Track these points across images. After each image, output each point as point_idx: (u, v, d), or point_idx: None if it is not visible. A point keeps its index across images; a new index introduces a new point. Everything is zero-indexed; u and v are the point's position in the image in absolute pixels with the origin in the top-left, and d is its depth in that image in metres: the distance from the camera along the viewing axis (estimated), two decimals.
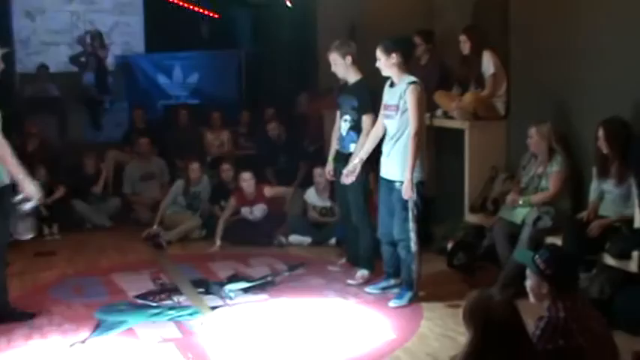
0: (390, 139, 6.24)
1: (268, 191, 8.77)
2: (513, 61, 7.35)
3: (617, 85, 6.01)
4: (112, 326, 5.89)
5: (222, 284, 6.81)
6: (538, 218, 6.23)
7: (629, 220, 5.65)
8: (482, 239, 6.93)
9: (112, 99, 12.97)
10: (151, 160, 10.10)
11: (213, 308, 6.24)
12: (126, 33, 15.21)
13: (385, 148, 6.32)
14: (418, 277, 6.31)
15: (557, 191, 6.34)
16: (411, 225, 6.18)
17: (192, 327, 5.91)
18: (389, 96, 6.28)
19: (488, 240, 6.76)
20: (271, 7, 12.58)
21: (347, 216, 7.15)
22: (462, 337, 3.89)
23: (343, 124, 6.95)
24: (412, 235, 6.19)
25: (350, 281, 6.90)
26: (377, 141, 6.53)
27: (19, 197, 6.12)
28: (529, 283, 3.84)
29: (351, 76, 6.87)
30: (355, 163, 6.57)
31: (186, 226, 8.85)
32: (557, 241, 5.93)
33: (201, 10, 14.91)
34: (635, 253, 5.49)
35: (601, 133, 5.75)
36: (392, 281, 6.59)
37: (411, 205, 6.14)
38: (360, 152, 6.63)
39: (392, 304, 6.27)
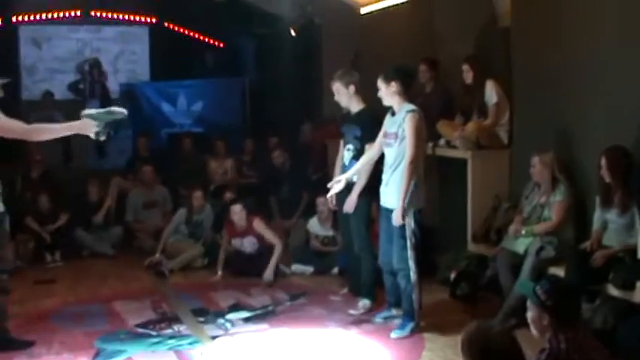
0: (389, 167, 6.24)
1: (257, 225, 8.32)
2: (516, 90, 7.35)
3: (619, 114, 5.99)
4: (111, 355, 5.85)
5: (223, 313, 6.79)
6: (541, 248, 6.18)
7: (633, 250, 5.58)
8: (485, 269, 6.87)
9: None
10: (154, 188, 10.10)
11: (214, 338, 6.20)
12: (131, 61, 15.29)
13: (384, 177, 6.32)
14: (419, 307, 6.26)
15: (560, 221, 6.30)
16: (410, 253, 6.16)
17: (192, 356, 5.86)
18: (389, 124, 6.28)
19: (491, 270, 6.71)
20: (276, 36, 12.66)
21: (349, 245, 7.12)
22: None
23: (346, 154, 6.94)
24: (411, 264, 6.17)
25: (352, 311, 6.85)
26: (370, 162, 6.55)
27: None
28: (530, 315, 3.80)
29: (354, 106, 6.88)
30: (340, 179, 6.57)
31: (188, 255, 8.82)
32: (560, 271, 5.90)
33: (206, 39, 15.02)
34: (638, 284, 5.43)
35: (603, 161, 5.72)
36: (394, 311, 6.54)
37: (408, 233, 6.13)
38: (349, 172, 6.64)
39: (393, 334, 6.21)
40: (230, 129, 12.50)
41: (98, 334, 6.32)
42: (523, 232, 6.38)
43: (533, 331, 3.81)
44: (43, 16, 14.17)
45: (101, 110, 5.60)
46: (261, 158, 11.10)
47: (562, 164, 6.42)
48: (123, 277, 8.47)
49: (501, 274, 6.43)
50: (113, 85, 14.14)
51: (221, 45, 15.13)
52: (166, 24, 14.91)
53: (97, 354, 5.89)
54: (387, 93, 6.22)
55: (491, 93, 7.30)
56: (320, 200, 8.47)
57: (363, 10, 10.25)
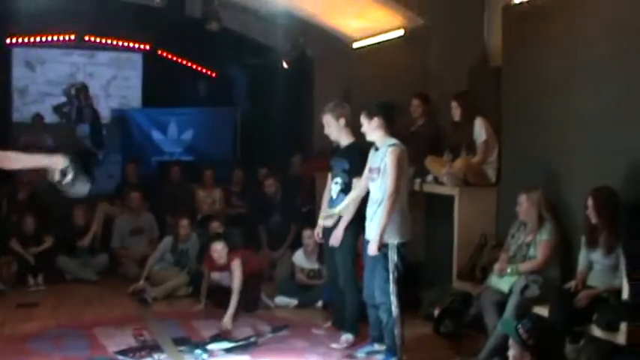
0: (374, 202, 6.26)
1: (234, 264, 7.75)
2: (504, 128, 7.38)
3: (607, 155, 6.02)
4: None
5: (204, 343, 6.72)
6: (525, 287, 6.16)
7: (617, 291, 5.57)
8: (470, 307, 6.84)
9: (105, 151, 12.98)
10: (140, 215, 10.07)
11: None
12: (124, 87, 15.34)
13: (369, 212, 6.33)
14: (401, 343, 6.23)
15: (546, 260, 6.29)
16: (392, 287, 6.15)
17: None
18: (373, 159, 6.32)
19: (475, 308, 6.68)
20: (268, 67, 12.72)
21: (334, 279, 7.09)
22: None
23: (334, 187, 6.93)
24: (393, 298, 6.16)
25: (334, 345, 6.80)
26: (358, 200, 6.55)
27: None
28: (512, 353, 3.79)
29: (344, 139, 6.88)
30: (333, 213, 6.62)
31: (172, 283, 8.76)
32: (545, 310, 5.87)
33: (199, 68, 15.08)
34: (623, 325, 5.41)
35: (590, 202, 5.73)
36: (376, 346, 6.50)
37: (391, 267, 6.14)
38: (340, 206, 6.65)
39: None
40: (220, 159, 12.52)
41: (77, 359, 6.24)
42: (508, 270, 6.36)
43: None
44: (37, 38, 14.20)
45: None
46: (250, 189, 11.09)
47: (549, 203, 6.43)
48: (106, 302, 8.41)
49: (486, 312, 6.40)
50: (104, 111, 14.17)
51: (213, 74, 15.20)
52: (160, 51, 14.97)
53: None
54: (370, 128, 6.29)
55: (480, 130, 7.33)
56: (306, 233, 8.45)
57: (356, 45, 10.32)
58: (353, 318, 6.89)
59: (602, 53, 6.15)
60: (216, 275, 8.03)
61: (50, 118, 13.64)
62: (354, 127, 6.79)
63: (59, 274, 9.36)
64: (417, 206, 7.87)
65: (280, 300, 8.38)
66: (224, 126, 13.40)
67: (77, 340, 6.94)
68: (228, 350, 6.60)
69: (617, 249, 5.65)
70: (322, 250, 7.65)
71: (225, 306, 7.51)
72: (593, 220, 5.76)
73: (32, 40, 14.25)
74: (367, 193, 6.44)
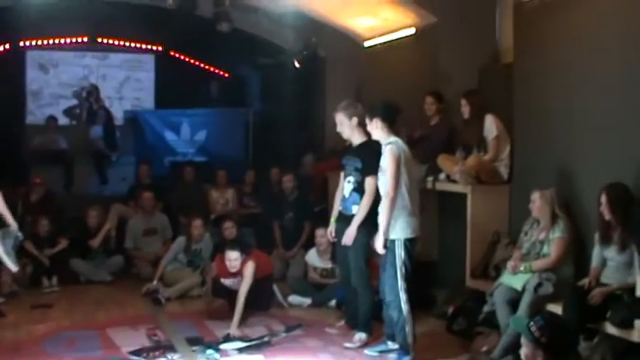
0: (383, 199, 6.29)
1: (247, 270, 7.53)
2: (516, 125, 7.36)
3: (620, 151, 5.99)
4: None
5: (217, 343, 6.73)
6: (539, 285, 6.13)
7: (632, 288, 5.54)
8: (483, 305, 6.81)
9: (119, 153, 13.03)
10: (154, 216, 10.09)
11: None
12: (137, 88, 15.43)
13: (380, 208, 6.35)
14: (413, 341, 6.22)
15: (559, 257, 6.26)
16: (400, 284, 6.17)
17: None
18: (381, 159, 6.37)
19: (488, 306, 6.64)
20: (280, 67, 12.72)
21: (347, 278, 7.08)
22: None
23: (347, 186, 6.93)
24: (402, 295, 6.18)
25: (347, 344, 6.79)
26: (371, 198, 6.62)
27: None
28: (524, 351, 3.77)
29: (356, 138, 6.88)
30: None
31: (185, 284, 8.77)
32: (558, 308, 5.84)
33: (211, 69, 15.12)
34: (637, 323, 5.37)
35: (604, 198, 5.70)
36: (390, 344, 6.49)
37: (398, 263, 6.15)
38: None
39: None
40: (232, 159, 12.55)
41: None
42: (521, 268, 6.34)
43: None
44: (51, 41, 14.28)
45: None
46: (262, 189, 11.10)
47: (562, 200, 6.40)
48: (119, 303, 8.43)
49: (499, 310, 6.36)
50: (117, 112, 14.23)
51: (226, 75, 15.23)
52: (172, 53, 15.02)
53: None
54: (371, 128, 6.42)
55: (490, 127, 7.31)
56: (319, 232, 8.45)
57: (367, 44, 10.31)
58: (366, 317, 6.88)
59: (614, 50, 6.11)
60: (227, 281, 7.79)
61: (64, 120, 13.70)
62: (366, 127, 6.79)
63: (73, 276, 9.38)
64: (429, 205, 7.88)
65: (293, 299, 8.37)
66: (236, 126, 13.42)
67: (91, 340, 6.95)
68: (241, 350, 6.60)
69: (630, 245, 5.62)
70: (335, 249, 7.64)
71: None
72: (607, 216, 5.73)
73: (45, 42, 14.34)
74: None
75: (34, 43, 14.27)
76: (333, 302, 8.18)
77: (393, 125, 6.36)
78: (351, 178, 6.88)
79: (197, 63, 15.18)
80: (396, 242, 6.20)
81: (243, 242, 8.99)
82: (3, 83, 13.16)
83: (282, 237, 9.85)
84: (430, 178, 7.77)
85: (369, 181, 6.67)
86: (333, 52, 11.46)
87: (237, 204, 10.94)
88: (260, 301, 7.85)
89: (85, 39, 14.45)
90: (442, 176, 7.70)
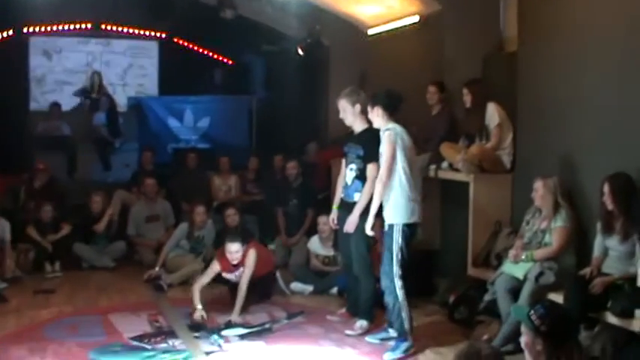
0: (376, 183, 6.36)
1: (249, 258, 7.43)
2: (519, 114, 7.34)
3: (623, 141, 5.97)
4: None
5: (219, 329, 6.74)
6: (540, 274, 6.13)
7: (633, 278, 5.52)
8: (484, 293, 6.81)
9: (122, 140, 13.02)
10: (156, 202, 10.10)
11: (208, 353, 6.17)
12: (140, 75, 15.40)
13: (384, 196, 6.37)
14: (410, 327, 6.24)
15: (561, 247, 6.26)
16: (395, 269, 6.20)
17: None
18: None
19: (490, 295, 6.65)
20: (284, 54, 12.70)
21: (349, 265, 7.08)
22: None
23: (349, 173, 6.93)
24: (397, 281, 6.21)
25: (348, 331, 6.80)
26: (373, 186, 6.57)
27: None
28: (524, 339, 3.75)
29: (358, 125, 6.88)
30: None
31: (187, 270, 8.77)
32: (560, 297, 5.84)
33: (215, 56, 15.09)
34: (638, 312, 5.37)
35: (606, 188, 5.69)
36: (391, 331, 6.50)
37: (395, 248, 6.18)
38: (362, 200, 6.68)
39: (386, 356, 6.17)
40: (235, 146, 12.54)
41: (92, 345, 6.29)
42: (523, 257, 6.34)
43: (527, 356, 3.76)
44: (54, 27, 14.27)
45: None
46: (265, 176, 11.10)
47: (564, 190, 6.39)
48: (121, 289, 8.45)
49: (500, 298, 6.37)
50: (121, 99, 14.22)
51: (229, 62, 15.21)
52: (176, 39, 15.00)
53: None
54: (372, 116, 6.48)
55: (492, 115, 7.30)
56: (322, 219, 8.45)
57: (371, 31, 10.29)
58: (367, 304, 6.89)
59: (619, 38, 6.08)
60: (229, 275, 7.59)
61: (68, 106, 13.69)
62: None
63: (76, 262, 9.41)
64: (432, 193, 7.88)
65: (295, 286, 8.38)
66: (240, 113, 13.40)
67: (93, 326, 6.97)
68: (242, 336, 6.62)
69: (632, 235, 5.60)
70: (337, 237, 7.64)
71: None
72: (609, 206, 5.71)
73: (49, 29, 14.32)
74: None
75: (37, 29, 14.24)
76: (334, 290, 8.20)
77: (394, 114, 6.38)
78: (353, 166, 6.87)
79: (201, 50, 15.15)
80: (395, 227, 6.22)
81: (245, 230, 9.01)
82: (7, 70, 13.12)
83: (285, 224, 9.86)
84: (433, 167, 7.77)
85: (370, 168, 6.66)
86: (336, 39, 11.44)
87: (240, 191, 10.94)
88: (261, 292, 7.84)
89: (89, 25, 14.43)
90: (445, 165, 7.70)
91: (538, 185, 6.44)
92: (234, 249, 7.38)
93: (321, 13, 10.88)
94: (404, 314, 6.20)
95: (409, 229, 6.26)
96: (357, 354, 6.33)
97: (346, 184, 6.96)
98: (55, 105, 13.08)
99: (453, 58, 8.50)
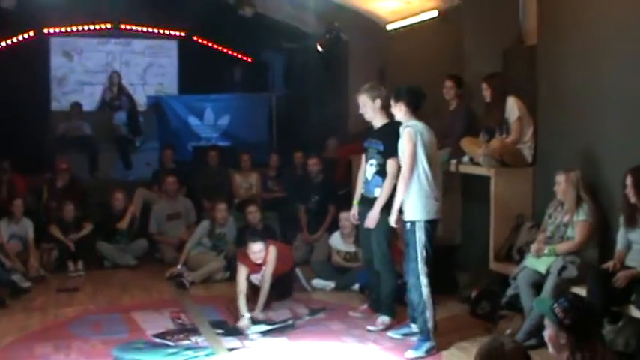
0: (399, 180, 6.35)
1: (270, 255, 7.36)
2: (540, 108, 7.30)
3: None
4: None
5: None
6: (563, 268, 6.11)
7: None
8: (507, 288, 6.79)
9: (143, 139, 13.07)
10: (177, 200, 10.14)
11: (231, 350, 6.19)
12: (160, 74, 15.46)
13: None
14: (434, 326, 6.23)
15: (583, 240, 6.22)
16: (421, 267, 6.17)
17: None
18: None
19: (512, 289, 6.63)
20: (303, 51, 12.71)
21: (370, 260, 7.08)
22: None
23: (369, 169, 6.92)
24: (422, 279, 6.18)
25: (370, 327, 6.80)
26: (394, 181, 6.60)
27: None
28: (547, 333, 3.73)
29: (378, 120, 6.87)
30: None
31: (209, 267, 8.81)
32: (583, 291, 5.81)
33: (234, 54, 15.12)
34: None
35: (629, 181, 5.65)
36: (414, 327, 6.48)
37: (419, 246, 6.15)
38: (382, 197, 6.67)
39: (408, 354, 6.15)
40: (256, 143, 12.53)
41: (116, 342, 6.35)
42: (545, 250, 6.31)
43: (551, 349, 3.74)
44: (74, 28, 14.35)
45: None
46: (286, 173, 11.11)
47: (586, 183, 6.35)
48: (144, 287, 8.50)
49: (523, 292, 6.35)
50: (141, 98, 14.28)
51: (249, 60, 15.23)
52: (195, 38, 15.04)
53: None
54: (395, 111, 6.44)
55: (512, 109, 7.26)
56: (343, 215, 8.43)
57: (390, 27, 10.27)
58: (389, 300, 6.89)
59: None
60: (253, 277, 7.46)
61: (89, 106, 13.78)
62: (389, 110, 6.77)
63: (98, 260, 9.48)
64: (452, 188, 7.85)
65: (317, 283, 8.39)
66: (260, 111, 13.40)
67: (116, 323, 7.04)
68: (264, 333, 6.64)
69: None
70: (359, 233, 7.64)
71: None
72: (632, 199, 5.68)
73: (69, 30, 14.41)
74: None
75: (58, 30, 14.33)
76: (356, 286, 8.20)
77: (417, 110, 6.35)
78: (373, 161, 6.86)
79: (220, 48, 15.17)
80: (416, 224, 6.20)
81: (266, 227, 9.02)
82: (28, 71, 13.24)
83: (306, 221, 9.87)
84: (454, 162, 7.74)
85: (390, 164, 6.65)
86: (355, 35, 11.43)
87: (261, 188, 10.96)
88: (282, 289, 7.84)
89: (109, 26, 14.51)
90: (466, 159, 7.67)
91: (560, 179, 6.40)
92: (256, 248, 7.29)
93: (339, 9, 10.87)
94: (428, 313, 6.18)
95: (431, 226, 6.24)
96: (380, 349, 6.33)
97: (366, 179, 6.96)
98: (76, 105, 13.14)
99: (473, 52, 8.47)
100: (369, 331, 6.75)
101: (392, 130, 6.65)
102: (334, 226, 9.00)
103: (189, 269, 8.78)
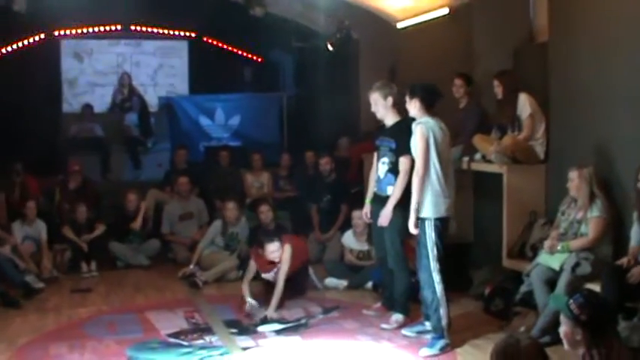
0: (413, 177, 6.32)
1: (285, 253, 7.43)
2: (552, 105, 7.28)
3: None
4: None
5: (255, 325, 6.79)
6: (577, 264, 6.09)
7: None
8: (520, 285, 6.78)
9: (154, 139, 13.11)
10: (190, 200, 10.16)
11: (245, 349, 6.20)
12: (170, 75, 15.51)
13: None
14: (448, 324, 6.21)
15: (597, 237, 6.20)
16: (432, 264, 6.17)
17: None
18: None
19: (526, 286, 6.60)
20: (313, 50, 12.71)
21: (383, 259, 7.07)
22: None
23: (381, 167, 6.91)
24: (435, 276, 6.17)
25: (384, 325, 6.80)
26: (407, 178, 6.59)
27: None
28: (563, 329, 3.73)
29: (390, 118, 6.86)
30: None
31: (222, 267, 8.82)
32: (597, 287, 5.77)
33: (244, 54, 15.14)
34: None
35: None
36: (427, 325, 6.47)
37: (430, 244, 6.16)
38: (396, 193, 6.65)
39: (422, 352, 6.14)
40: (267, 143, 12.57)
41: (130, 342, 6.35)
42: (559, 247, 6.29)
43: (566, 346, 3.74)
44: (85, 30, 14.40)
45: None
46: (297, 172, 11.12)
47: (599, 179, 6.33)
48: (157, 287, 8.53)
49: (536, 289, 6.33)
50: (152, 99, 14.32)
51: (259, 59, 15.25)
52: (205, 38, 15.07)
53: None
54: (409, 107, 6.42)
55: (524, 105, 7.24)
56: (356, 214, 8.42)
57: (400, 25, 10.26)
58: (403, 298, 6.88)
59: None
60: (268, 275, 7.63)
61: (100, 108, 13.83)
62: (401, 107, 6.76)
63: (111, 261, 9.51)
64: (465, 185, 7.84)
65: (330, 282, 8.39)
66: (271, 110, 13.44)
67: (130, 323, 7.05)
68: (278, 332, 6.65)
69: None
70: (371, 231, 7.63)
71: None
72: None
73: (80, 31, 14.46)
74: None
75: (68, 32, 14.38)
76: (369, 284, 8.19)
77: (431, 108, 6.34)
78: (385, 159, 6.85)
79: (230, 48, 15.21)
80: (427, 222, 6.18)
81: (278, 226, 9.03)
82: (39, 73, 13.32)
83: (318, 220, 9.87)
84: (466, 159, 7.73)
85: (403, 161, 6.63)
86: (366, 34, 11.42)
87: (273, 187, 10.97)
88: (296, 287, 7.84)
89: (119, 27, 14.56)
90: (478, 156, 7.65)
91: (573, 175, 6.38)
92: (273, 248, 7.41)
93: (350, 8, 10.88)
94: (442, 311, 6.17)
95: (441, 223, 6.22)
96: (394, 347, 6.33)
97: (379, 177, 6.95)
98: (88, 106, 13.21)
99: (483, 50, 8.46)
100: (383, 329, 6.74)
101: (404, 127, 6.64)
102: (347, 224, 9.00)
103: (201, 269, 8.80)
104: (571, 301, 3.70)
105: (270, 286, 7.52)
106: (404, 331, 6.61)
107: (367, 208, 7.20)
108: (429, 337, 6.33)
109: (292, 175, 11.18)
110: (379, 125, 7.08)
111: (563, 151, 7.10)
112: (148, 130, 13.16)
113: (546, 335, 5.83)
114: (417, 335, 6.49)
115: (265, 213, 9.17)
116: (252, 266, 7.61)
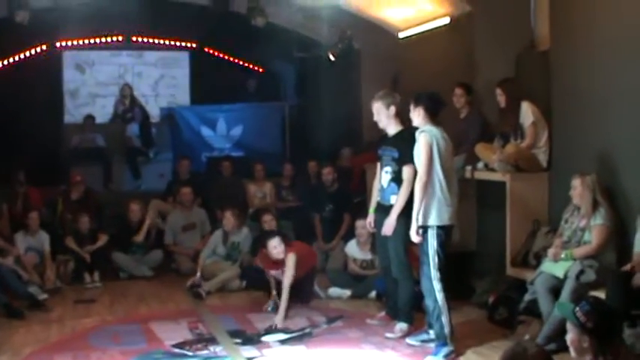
0: (415, 184, 6.33)
1: (289, 260, 7.47)
2: (555, 112, 7.30)
3: None
4: None
5: (259, 335, 6.78)
6: (581, 272, 6.09)
7: None
8: (524, 293, 6.77)
9: (156, 150, 13.11)
10: (192, 211, 10.17)
11: (249, 359, 6.19)
12: (172, 85, 15.53)
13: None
14: (450, 331, 6.21)
15: (601, 245, 6.20)
16: (433, 273, 6.18)
17: None
18: None
19: (530, 294, 6.61)
20: (315, 60, 12.73)
21: (387, 268, 7.06)
22: None
23: (384, 176, 6.91)
24: (436, 284, 6.18)
25: (388, 334, 6.79)
26: (410, 187, 6.58)
27: None
28: (569, 337, 3.72)
29: (392, 128, 6.87)
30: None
31: (224, 276, 8.81)
32: (601, 295, 5.76)
33: (246, 64, 15.16)
34: None
35: None
36: (432, 333, 6.46)
37: (431, 252, 6.17)
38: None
39: None
40: (269, 153, 12.57)
41: (135, 353, 6.35)
42: (563, 255, 6.29)
43: (573, 353, 3.73)
44: (87, 41, 14.43)
45: None
46: (300, 182, 11.13)
47: (602, 186, 6.33)
48: (160, 298, 8.52)
49: (540, 298, 6.34)
50: (154, 110, 14.34)
51: (261, 70, 15.27)
52: (207, 49, 15.09)
53: None
54: (414, 116, 6.43)
55: (526, 114, 7.27)
56: (359, 223, 8.42)
57: (402, 34, 10.28)
58: (407, 307, 6.87)
59: None
60: (275, 273, 7.76)
61: (102, 118, 13.84)
62: (403, 117, 6.78)
63: (114, 272, 9.51)
64: (468, 194, 7.84)
65: (333, 291, 8.38)
66: (273, 120, 13.43)
67: (134, 334, 7.03)
68: (283, 341, 6.64)
69: None
70: (375, 240, 7.63)
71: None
72: None
73: (82, 43, 14.49)
74: None
75: (70, 43, 14.42)
76: (373, 293, 8.18)
77: (434, 117, 6.36)
78: (388, 169, 6.86)
79: (232, 59, 15.23)
80: (429, 230, 6.19)
81: (283, 233, 9.02)
82: (41, 84, 13.34)
83: (321, 230, 9.87)
84: (469, 167, 7.74)
85: (406, 170, 6.63)
86: (368, 44, 11.44)
87: (276, 197, 10.98)
88: (302, 293, 7.85)
89: (120, 38, 14.59)
90: (480, 165, 7.67)
91: (576, 183, 6.39)
92: (275, 244, 7.55)
93: (351, 18, 10.90)
94: (444, 319, 6.18)
95: (444, 232, 6.23)
96: (399, 356, 6.32)
97: (382, 186, 6.95)
98: (89, 117, 13.24)
99: (485, 58, 8.48)
100: (387, 338, 6.73)
101: (406, 136, 6.65)
102: (350, 234, 9.00)
103: (203, 278, 8.78)
104: (577, 308, 3.70)
105: (278, 282, 7.60)
106: (408, 340, 6.60)
107: (371, 217, 7.19)
108: (433, 345, 6.33)
109: (295, 185, 11.18)
110: (382, 135, 7.08)
111: (565, 158, 7.11)
112: (149, 141, 13.17)
113: (552, 343, 5.82)
114: (422, 344, 6.49)
115: (269, 222, 9.18)
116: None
